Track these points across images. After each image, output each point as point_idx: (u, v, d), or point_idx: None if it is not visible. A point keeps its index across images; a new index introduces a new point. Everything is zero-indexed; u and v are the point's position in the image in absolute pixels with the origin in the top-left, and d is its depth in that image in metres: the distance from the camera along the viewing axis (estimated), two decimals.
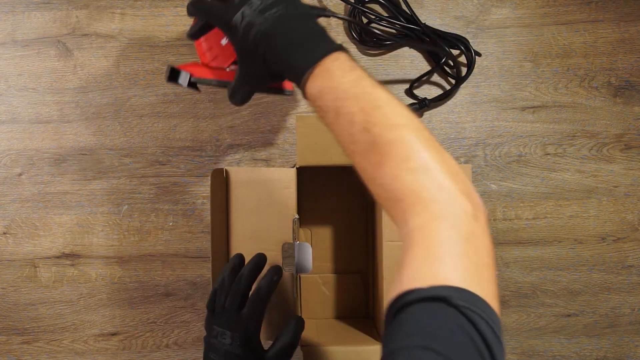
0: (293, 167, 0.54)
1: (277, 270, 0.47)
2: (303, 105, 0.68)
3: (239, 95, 0.46)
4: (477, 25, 0.69)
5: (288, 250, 0.51)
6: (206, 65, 0.49)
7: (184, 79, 0.48)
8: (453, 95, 0.66)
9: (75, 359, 0.67)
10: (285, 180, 0.51)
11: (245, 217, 0.52)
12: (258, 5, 0.41)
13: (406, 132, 0.33)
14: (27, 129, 0.68)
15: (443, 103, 0.67)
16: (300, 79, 0.39)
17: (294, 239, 0.51)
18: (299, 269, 0.50)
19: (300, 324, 0.47)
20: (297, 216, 0.51)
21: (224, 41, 0.48)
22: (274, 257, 0.50)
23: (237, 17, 0.41)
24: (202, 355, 0.66)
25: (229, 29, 0.42)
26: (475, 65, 0.68)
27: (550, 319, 0.67)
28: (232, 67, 0.49)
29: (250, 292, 0.46)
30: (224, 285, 0.46)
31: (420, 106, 0.63)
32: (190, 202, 0.67)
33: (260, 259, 0.47)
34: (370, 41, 0.65)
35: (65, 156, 0.68)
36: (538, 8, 0.69)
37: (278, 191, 0.51)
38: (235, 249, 0.52)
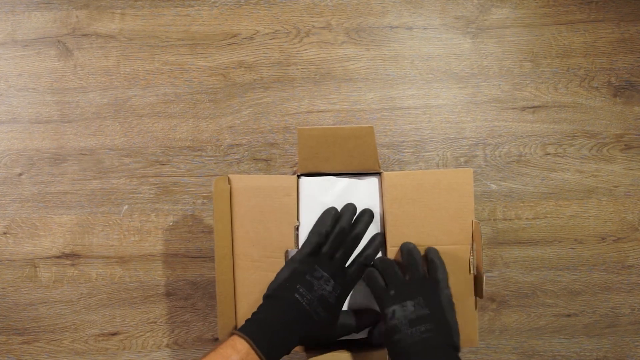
0: (294, 174, 0.54)
1: (382, 240, 0.51)
2: (303, 107, 0.68)
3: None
4: (477, 25, 0.69)
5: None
6: None
7: None
8: None
9: (75, 359, 0.67)
10: (286, 187, 0.52)
11: (248, 224, 0.52)
12: (410, 313, 0.44)
13: None
14: (27, 129, 0.68)
15: None
16: None
17: (296, 245, 0.51)
18: None
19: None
20: (298, 223, 0.51)
21: None
22: (277, 263, 0.50)
23: (389, 311, 0.45)
24: (201, 354, 0.67)
25: (383, 314, 0.47)
26: (476, 65, 0.68)
27: (550, 319, 0.67)
28: None
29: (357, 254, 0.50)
30: (337, 235, 0.49)
31: None
32: (190, 202, 0.67)
33: (372, 217, 0.51)
34: None
35: (65, 156, 0.68)
36: (538, 8, 0.69)
37: (279, 198, 0.51)
38: (238, 256, 0.53)
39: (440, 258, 0.49)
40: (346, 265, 0.50)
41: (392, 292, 0.46)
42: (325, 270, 0.48)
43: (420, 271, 0.47)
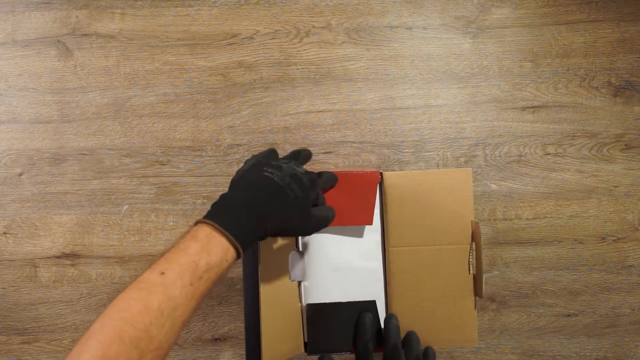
0: None
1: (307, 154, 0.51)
2: (303, 107, 0.68)
3: None
4: (477, 25, 0.69)
5: (291, 258, 0.52)
6: None
7: None
8: None
9: None
10: None
11: None
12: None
13: None
14: (27, 129, 0.68)
15: None
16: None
17: (297, 247, 0.52)
18: (294, 277, 0.51)
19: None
20: None
21: None
22: (281, 265, 0.50)
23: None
24: (201, 355, 0.67)
25: None
26: (476, 65, 0.68)
27: (550, 319, 0.67)
28: None
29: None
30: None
31: None
32: (190, 202, 0.67)
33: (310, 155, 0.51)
34: None
35: (65, 156, 0.68)
36: (538, 8, 0.69)
37: None
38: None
39: None
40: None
41: None
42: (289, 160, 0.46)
43: None
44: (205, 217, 0.40)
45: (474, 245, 0.51)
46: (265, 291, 0.48)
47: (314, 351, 0.51)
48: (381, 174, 0.52)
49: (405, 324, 0.51)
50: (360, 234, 0.52)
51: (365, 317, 0.50)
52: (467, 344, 0.51)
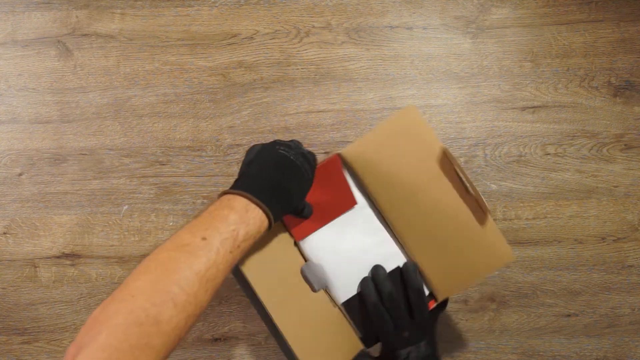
0: None
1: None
2: (303, 107, 0.68)
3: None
4: (477, 25, 0.69)
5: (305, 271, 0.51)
6: None
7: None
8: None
9: None
10: None
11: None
12: (422, 352, 0.49)
13: None
14: (27, 129, 0.68)
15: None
16: None
17: (305, 258, 0.51)
18: (318, 287, 0.50)
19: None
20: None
21: None
22: (294, 273, 0.51)
23: (404, 352, 0.49)
24: (201, 355, 0.67)
25: (395, 354, 0.51)
26: (476, 65, 0.68)
27: (550, 319, 0.67)
28: None
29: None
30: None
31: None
32: (190, 202, 0.67)
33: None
34: None
35: (65, 156, 0.68)
36: (538, 8, 0.69)
37: None
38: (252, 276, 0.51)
39: (422, 289, 0.50)
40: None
41: (407, 333, 0.48)
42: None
43: (427, 314, 0.49)
44: (236, 188, 0.40)
45: (456, 170, 0.49)
46: (285, 320, 0.47)
47: (371, 342, 0.52)
48: (339, 154, 0.51)
49: (438, 272, 0.51)
50: (352, 217, 0.52)
51: (365, 281, 0.50)
52: (505, 260, 0.50)
